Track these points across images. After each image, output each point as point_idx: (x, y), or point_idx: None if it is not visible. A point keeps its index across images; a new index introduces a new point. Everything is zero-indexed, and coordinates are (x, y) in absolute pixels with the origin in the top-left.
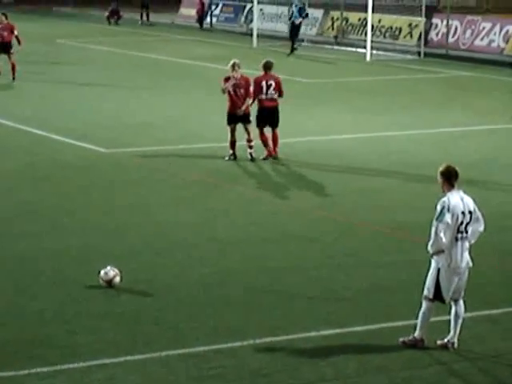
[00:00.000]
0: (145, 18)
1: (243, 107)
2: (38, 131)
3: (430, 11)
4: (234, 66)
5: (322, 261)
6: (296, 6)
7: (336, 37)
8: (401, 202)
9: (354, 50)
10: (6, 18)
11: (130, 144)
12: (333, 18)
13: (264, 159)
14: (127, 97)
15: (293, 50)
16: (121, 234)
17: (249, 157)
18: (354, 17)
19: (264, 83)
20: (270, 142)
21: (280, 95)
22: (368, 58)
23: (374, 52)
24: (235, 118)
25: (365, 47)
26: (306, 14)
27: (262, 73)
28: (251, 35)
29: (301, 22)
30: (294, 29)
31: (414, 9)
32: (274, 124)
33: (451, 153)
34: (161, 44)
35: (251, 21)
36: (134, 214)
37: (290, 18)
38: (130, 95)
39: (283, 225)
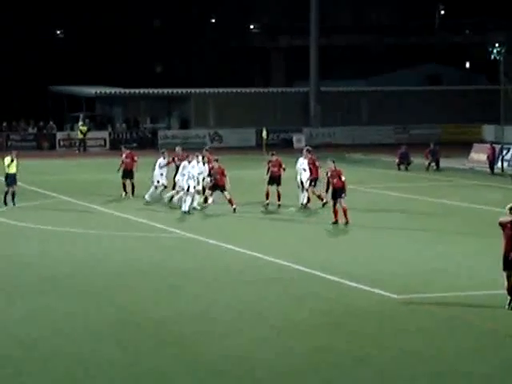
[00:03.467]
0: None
1: None
2: (330, 277)
3: None
4: (510, 209)
5: None
6: None
7: None
8: None
9: None
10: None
11: (421, 290)
12: None
13: None
14: (417, 243)
15: None
16: None
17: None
18: None
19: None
20: None
21: None
22: None
23: None
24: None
25: None
26: None
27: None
28: None
29: None
30: None
31: None
32: None
33: None
34: (451, 189)
35: None
36: (424, 361)
37: None
38: (420, 241)
39: None
